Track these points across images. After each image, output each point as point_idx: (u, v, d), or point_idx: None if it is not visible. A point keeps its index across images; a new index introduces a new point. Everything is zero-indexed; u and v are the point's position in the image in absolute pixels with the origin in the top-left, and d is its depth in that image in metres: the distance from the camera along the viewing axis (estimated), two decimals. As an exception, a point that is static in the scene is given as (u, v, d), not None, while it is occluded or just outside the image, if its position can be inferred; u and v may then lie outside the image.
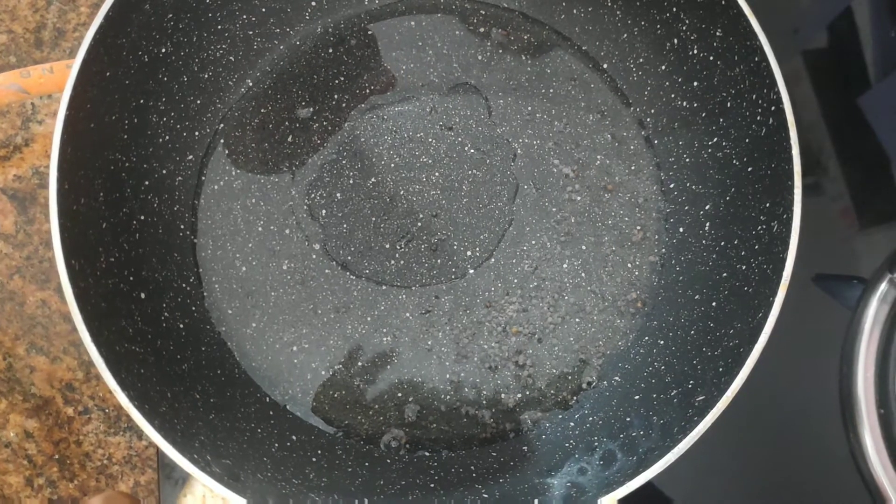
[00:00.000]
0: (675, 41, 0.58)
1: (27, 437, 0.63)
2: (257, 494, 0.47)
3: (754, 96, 0.53)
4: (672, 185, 0.62)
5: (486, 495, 0.53)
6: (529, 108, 0.63)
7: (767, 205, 0.53)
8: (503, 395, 0.59)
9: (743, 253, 0.55)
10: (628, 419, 0.55)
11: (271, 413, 0.57)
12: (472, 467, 0.56)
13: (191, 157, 0.62)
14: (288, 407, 0.58)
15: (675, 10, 0.57)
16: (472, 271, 0.61)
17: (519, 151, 0.63)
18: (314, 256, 0.61)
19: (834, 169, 0.66)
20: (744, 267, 0.54)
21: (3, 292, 0.65)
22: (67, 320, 0.63)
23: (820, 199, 0.66)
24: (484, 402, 0.59)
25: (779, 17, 0.69)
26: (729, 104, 0.56)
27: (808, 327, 0.62)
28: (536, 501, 0.50)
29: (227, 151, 0.63)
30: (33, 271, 0.65)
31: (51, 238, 0.48)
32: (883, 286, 0.60)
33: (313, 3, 0.65)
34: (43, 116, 0.68)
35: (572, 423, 0.58)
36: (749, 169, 0.55)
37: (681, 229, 0.61)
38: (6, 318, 0.64)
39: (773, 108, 0.52)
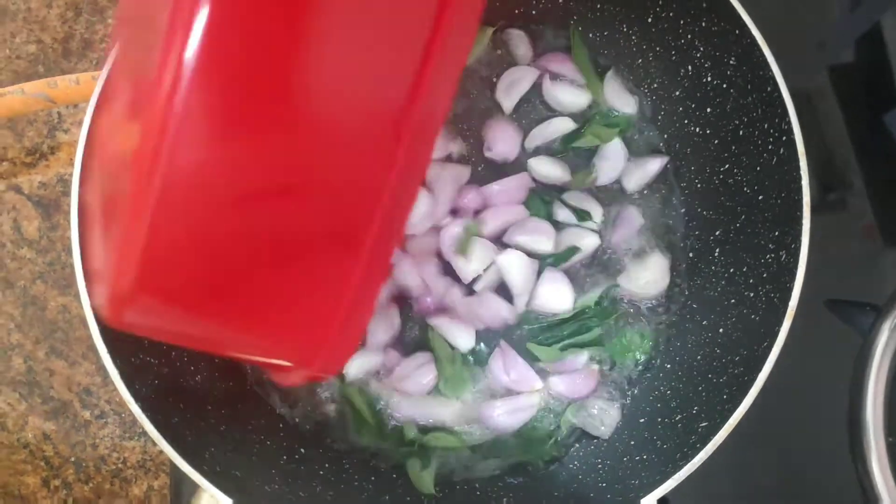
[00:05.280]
0: (690, 68, 0.58)
1: (45, 439, 0.64)
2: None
3: (766, 125, 0.53)
4: (683, 210, 0.62)
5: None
6: (544, 131, 0.64)
7: (776, 234, 0.53)
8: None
9: (751, 280, 0.55)
10: (632, 443, 0.55)
11: (280, 426, 0.58)
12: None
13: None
14: (297, 420, 0.59)
15: (689, 37, 0.57)
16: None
17: (533, 172, 0.63)
18: (327, 271, 0.62)
19: (858, 185, 0.66)
20: (752, 294, 0.54)
21: (25, 297, 0.66)
22: (87, 326, 0.64)
23: (843, 216, 0.66)
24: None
25: (805, 32, 0.68)
26: (741, 132, 0.56)
27: (818, 352, 0.61)
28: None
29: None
30: (55, 277, 0.66)
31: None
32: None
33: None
34: (69, 125, 0.70)
35: (578, 445, 0.58)
36: (760, 197, 0.55)
37: (690, 254, 0.61)
38: (27, 321, 0.66)
39: (784, 138, 0.51)
